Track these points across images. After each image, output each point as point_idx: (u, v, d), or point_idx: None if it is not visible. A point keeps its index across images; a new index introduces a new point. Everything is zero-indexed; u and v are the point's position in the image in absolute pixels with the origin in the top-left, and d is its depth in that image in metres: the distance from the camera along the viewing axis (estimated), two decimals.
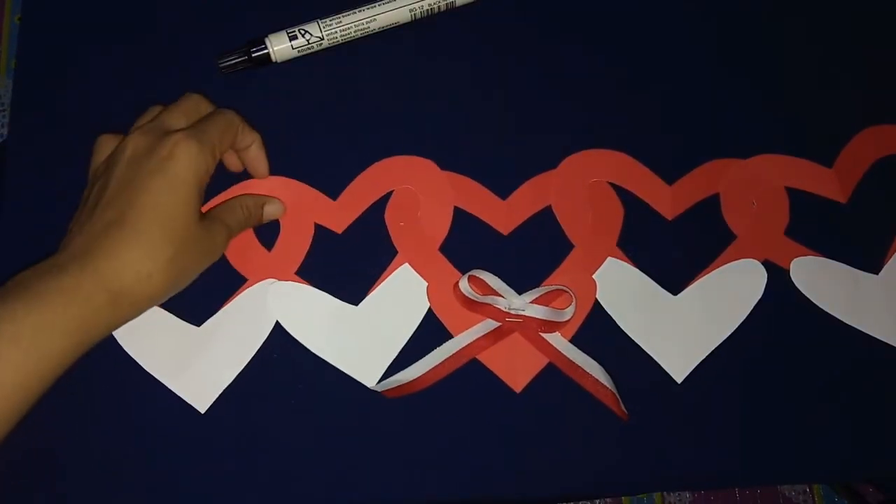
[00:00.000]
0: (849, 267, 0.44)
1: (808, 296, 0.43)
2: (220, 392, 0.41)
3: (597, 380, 0.41)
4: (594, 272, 0.43)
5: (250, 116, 0.45)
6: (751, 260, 0.44)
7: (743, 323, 0.43)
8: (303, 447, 0.41)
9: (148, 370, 0.41)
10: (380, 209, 0.44)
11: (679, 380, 0.42)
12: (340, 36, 0.45)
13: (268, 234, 0.44)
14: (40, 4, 0.47)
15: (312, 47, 0.45)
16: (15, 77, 0.46)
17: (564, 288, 0.42)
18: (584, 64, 0.47)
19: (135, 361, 0.41)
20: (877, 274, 0.44)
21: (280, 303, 0.42)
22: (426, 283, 0.43)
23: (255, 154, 0.43)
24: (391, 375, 0.42)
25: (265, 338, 0.42)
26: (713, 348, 0.43)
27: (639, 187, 0.45)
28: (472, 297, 0.41)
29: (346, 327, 0.42)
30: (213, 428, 0.41)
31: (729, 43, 0.48)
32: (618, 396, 0.41)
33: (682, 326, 0.43)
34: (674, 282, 0.44)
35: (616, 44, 0.48)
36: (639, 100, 0.47)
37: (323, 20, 0.45)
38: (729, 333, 0.43)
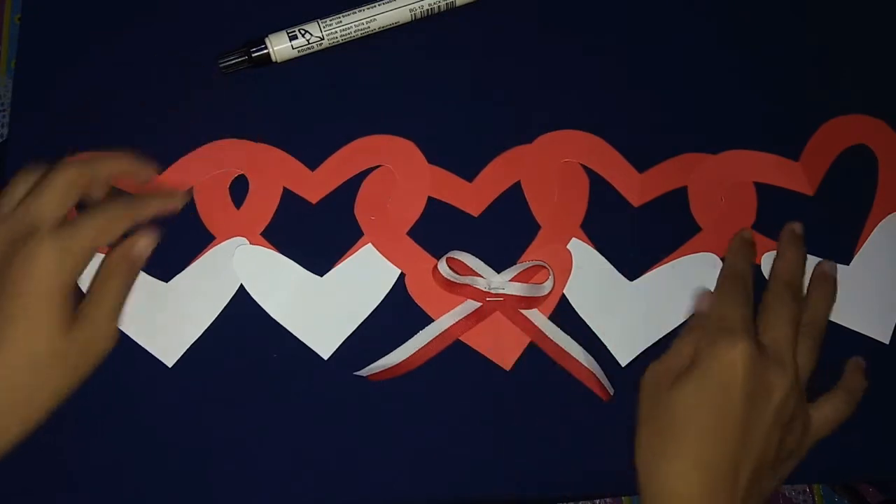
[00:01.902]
0: (820, 259, 0.44)
1: None
2: (187, 347, 0.42)
3: (575, 360, 0.41)
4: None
5: (251, 116, 0.45)
6: (709, 254, 0.44)
7: None
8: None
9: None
10: (356, 184, 0.44)
11: (623, 363, 0.42)
12: (340, 36, 0.45)
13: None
14: (40, 4, 0.47)
15: (312, 47, 0.45)
16: (15, 77, 0.46)
17: (542, 263, 0.42)
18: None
19: None
20: (847, 265, 0.44)
21: (245, 266, 0.43)
22: (399, 271, 0.43)
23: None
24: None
25: (232, 295, 0.43)
26: (660, 337, 0.43)
27: (609, 172, 0.45)
28: (453, 279, 0.41)
29: (307, 297, 0.43)
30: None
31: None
32: (598, 375, 0.41)
33: (633, 312, 0.43)
34: (632, 268, 0.44)
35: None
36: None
37: (323, 20, 0.45)
38: (678, 324, 0.43)
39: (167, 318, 0.42)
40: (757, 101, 0.47)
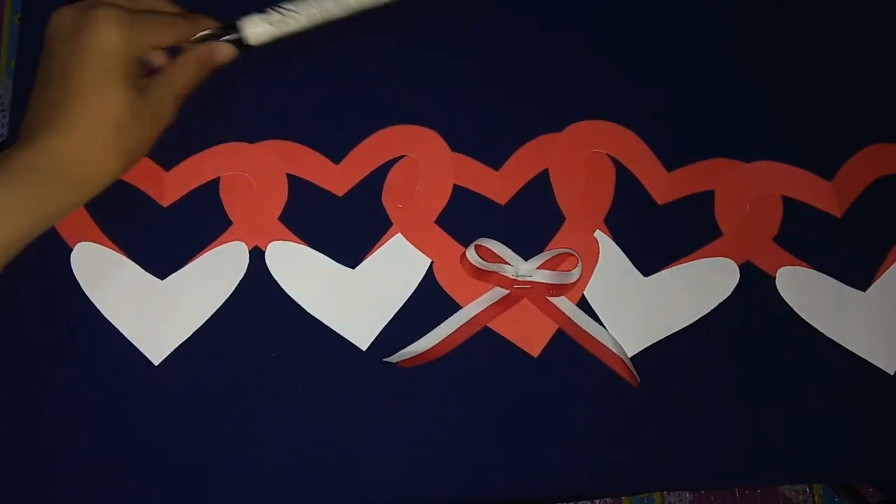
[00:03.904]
0: (836, 281, 0.44)
1: (792, 306, 0.44)
2: (175, 346, 0.42)
3: (605, 346, 0.42)
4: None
5: (252, 116, 0.45)
6: (727, 259, 0.44)
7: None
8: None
9: (108, 318, 0.42)
10: (382, 174, 0.44)
11: (632, 354, 0.43)
12: (321, 15, 0.44)
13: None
14: (40, 4, 0.47)
15: (290, 24, 0.44)
16: (15, 77, 0.46)
17: (570, 251, 0.43)
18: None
19: (96, 308, 0.42)
20: (864, 291, 0.44)
21: (278, 262, 0.43)
22: (430, 260, 0.43)
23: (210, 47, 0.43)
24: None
25: (226, 297, 0.42)
26: (667, 335, 0.43)
27: (637, 166, 0.45)
28: (481, 266, 0.42)
29: (342, 290, 0.43)
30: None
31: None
32: (628, 363, 0.41)
33: (644, 307, 0.43)
34: (648, 264, 0.44)
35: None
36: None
37: None
38: (686, 325, 0.43)
39: (159, 316, 0.42)
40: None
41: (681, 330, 0.43)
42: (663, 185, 0.45)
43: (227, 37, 0.43)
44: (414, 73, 0.47)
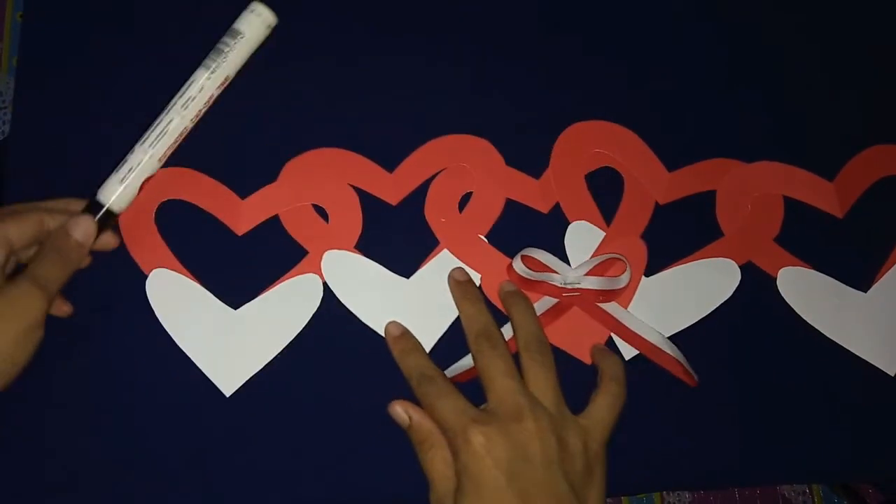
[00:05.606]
0: (837, 282, 0.44)
1: (792, 306, 0.44)
2: (247, 378, 0.41)
3: (659, 348, 0.41)
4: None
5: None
6: (728, 260, 0.44)
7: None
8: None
9: (182, 347, 0.42)
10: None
11: (627, 357, 0.43)
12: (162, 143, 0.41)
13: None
14: (42, 2, 0.47)
15: (142, 171, 0.41)
16: (17, 75, 0.46)
17: (618, 256, 0.42)
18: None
19: (170, 336, 0.42)
20: (865, 292, 0.45)
21: (333, 271, 0.42)
22: (479, 275, 0.43)
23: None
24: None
25: (299, 330, 0.42)
26: (667, 335, 0.43)
27: (638, 167, 0.45)
28: (529, 276, 0.41)
29: (397, 300, 0.42)
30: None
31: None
32: (684, 362, 0.41)
33: (645, 307, 0.43)
34: (649, 265, 0.44)
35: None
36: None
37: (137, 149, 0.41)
38: (687, 326, 0.43)
39: (232, 347, 0.42)
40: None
41: (682, 330, 0.43)
42: (664, 185, 0.45)
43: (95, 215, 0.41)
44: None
